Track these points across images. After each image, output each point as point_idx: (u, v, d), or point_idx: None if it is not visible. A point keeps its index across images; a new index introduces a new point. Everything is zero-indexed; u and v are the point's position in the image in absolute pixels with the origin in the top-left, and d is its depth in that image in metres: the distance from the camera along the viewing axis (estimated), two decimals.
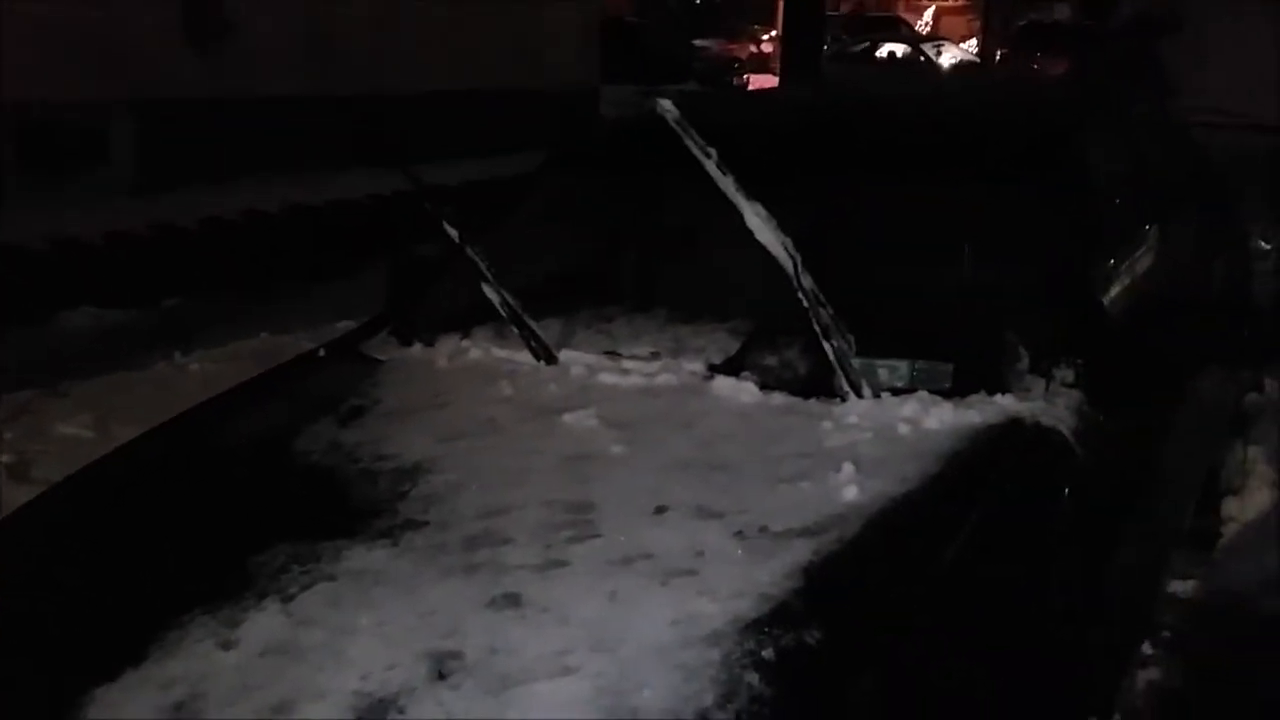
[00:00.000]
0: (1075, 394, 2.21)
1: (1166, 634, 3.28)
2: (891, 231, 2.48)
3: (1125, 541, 2.29)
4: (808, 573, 1.70)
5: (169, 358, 5.06)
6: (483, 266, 2.46)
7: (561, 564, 1.77)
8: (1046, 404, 2.16)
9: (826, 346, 2.14)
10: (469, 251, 2.46)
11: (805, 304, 2.10)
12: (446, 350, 2.65)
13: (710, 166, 2.06)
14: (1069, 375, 2.24)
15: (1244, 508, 3.92)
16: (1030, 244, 2.48)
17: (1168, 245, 3.04)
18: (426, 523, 1.92)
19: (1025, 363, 2.26)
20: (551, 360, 2.47)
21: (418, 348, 2.71)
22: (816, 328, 2.12)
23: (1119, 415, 2.27)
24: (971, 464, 1.98)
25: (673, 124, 2.06)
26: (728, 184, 2.06)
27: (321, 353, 2.81)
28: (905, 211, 2.49)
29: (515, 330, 2.49)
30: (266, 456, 2.26)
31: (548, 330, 2.59)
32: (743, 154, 2.14)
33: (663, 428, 2.16)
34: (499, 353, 2.57)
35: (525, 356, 2.51)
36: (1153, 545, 2.68)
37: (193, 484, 2.20)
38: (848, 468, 1.95)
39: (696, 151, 2.05)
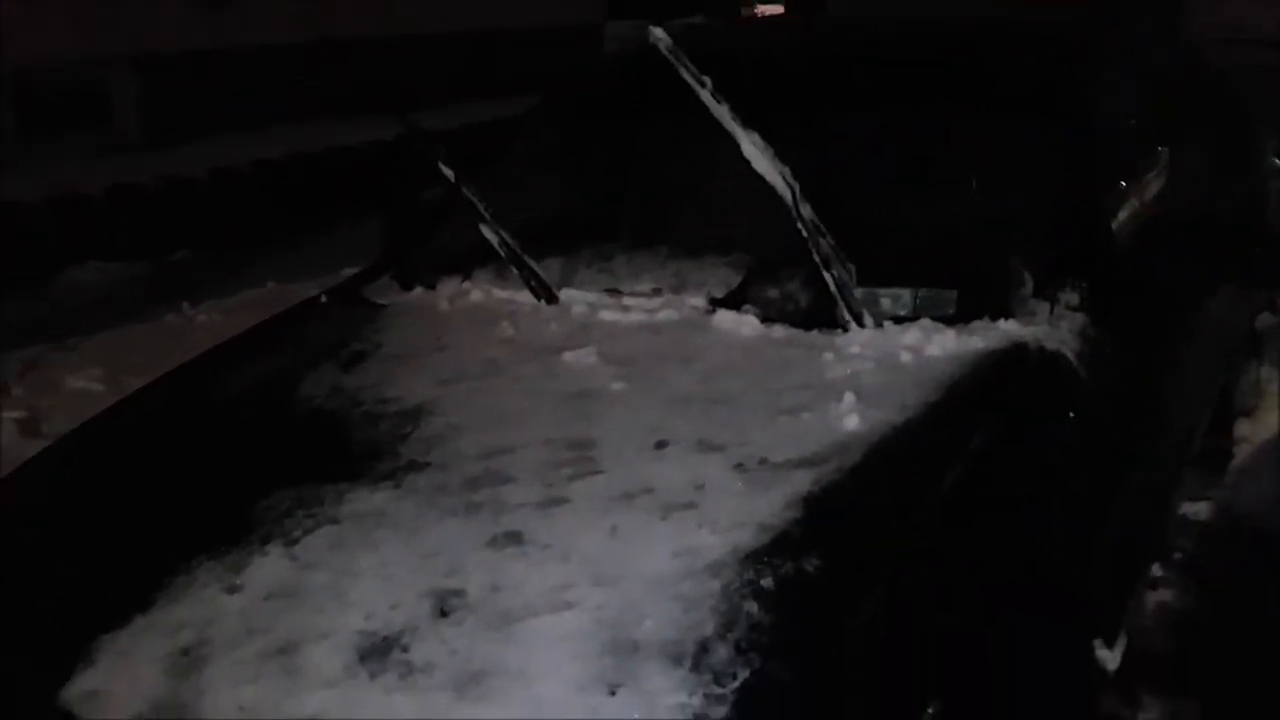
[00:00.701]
0: (1080, 317, 2.19)
1: (1178, 555, 3.28)
2: (895, 159, 2.45)
3: (1133, 464, 2.28)
4: (807, 503, 1.69)
5: (177, 309, 5.07)
6: (480, 207, 2.44)
7: (562, 501, 1.77)
8: (1050, 328, 2.14)
9: (827, 276, 2.12)
10: (465, 192, 2.44)
11: (805, 234, 2.08)
12: (448, 292, 2.64)
13: (705, 95, 2.02)
14: (1074, 299, 2.21)
15: (1257, 429, 3.89)
16: (1035, 168, 2.45)
17: (1180, 167, 2.99)
18: (428, 464, 1.92)
19: (1029, 287, 2.23)
20: (552, 299, 2.46)
21: (419, 291, 2.70)
22: (816, 258, 2.10)
23: (1126, 338, 2.25)
24: (973, 390, 1.97)
25: (665, 53, 2.03)
26: (723, 112, 2.03)
27: (323, 299, 2.81)
28: (909, 138, 2.46)
29: (515, 270, 2.48)
30: (270, 403, 2.26)
31: (548, 270, 2.57)
32: (743, 83, 2.11)
33: (663, 363, 2.15)
34: (500, 293, 2.56)
35: (526, 296, 2.50)
36: (1162, 467, 2.67)
37: (197, 432, 2.21)
38: (849, 397, 1.94)
39: (690, 80, 2.01)
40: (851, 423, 1.88)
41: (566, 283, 2.54)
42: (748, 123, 2.05)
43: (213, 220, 6.20)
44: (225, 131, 7.58)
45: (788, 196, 2.06)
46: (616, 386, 2.09)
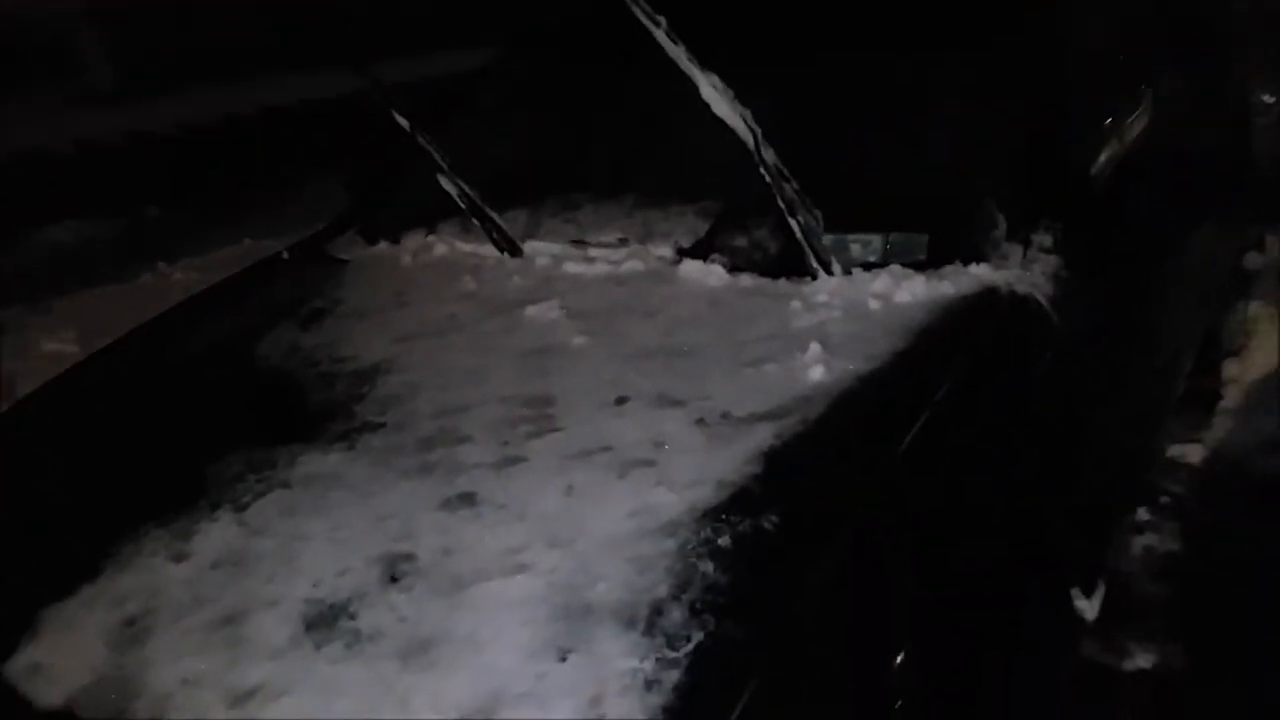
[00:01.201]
0: (1054, 259, 2.12)
1: (1165, 500, 3.25)
2: (861, 98, 2.37)
3: (1109, 409, 2.23)
4: (768, 458, 1.65)
5: (154, 268, 5.00)
6: (438, 157, 2.37)
7: (519, 460, 1.72)
8: (1023, 271, 2.08)
9: (793, 223, 2.06)
10: (422, 141, 2.37)
11: (768, 180, 2.01)
12: (411, 247, 2.58)
13: (660, 36, 1.95)
14: (1048, 240, 2.15)
15: (1246, 369, 3.85)
16: (1008, 105, 2.37)
17: (1161, 103, 2.92)
18: (383, 424, 1.87)
19: (1002, 230, 2.17)
20: (516, 252, 2.40)
21: (383, 245, 2.65)
22: (781, 204, 2.04)
23: (1102, 280, 2.19)
24: (942, 336, 1.91)
25: None
26: (679, 54, 1.96)
27: (285, 255, 2.75)
28: (876, 76, 2.38)
29: (477, 223, 2.42)
30: (226, 364, 2.22)
31: (514, 221, 2.51)
32: (702, 22, 2.03)
33: (627, 316, 2.10)
34: (464, 247, 2.50)
35: (490, 250, 2.44)
36: (1143, 411, 2.63)
37: (151, 395, 2.16)
38: (814, 348, 1.88)
39: (644, 20, 1.94)
40: (816, 374, 1.83)
41: (531, 234, 2.48)
42: (706, 64, 1.98)
43: (185, 176, 6.09)
44: (198, 84, 7.43)
45: (750, 141, 1.99)
46: (578, 341, 2.03)
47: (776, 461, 1.64)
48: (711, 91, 1.97)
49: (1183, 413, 3.39)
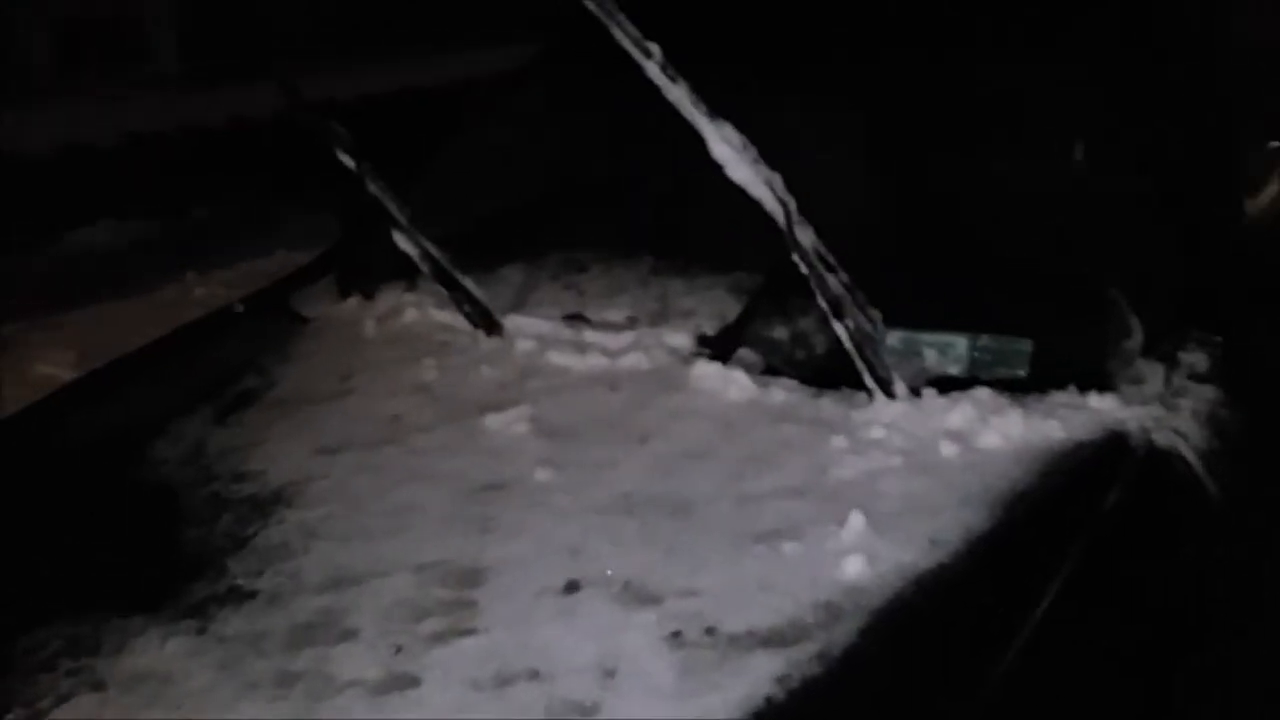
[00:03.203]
0: (1210, 391, 1.52)
1: None
2: (940, 140, 1.80)
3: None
4: (764, 718, 1.10)
5: (180, 279, 4.62)
6: (394, 209, 1.86)
7: (407, 685, 1.20)
8: (1166, 410, 1.48)
9: (839, 328, 1.50)
10: (373, 189, 1.86)
11: (804, 269, 1.46)
12: (382, 308, 2.10)
13: (653, 71, 1.40)
14: (1202, 361, 1.55)
15: None
16: (1145, 155, 1.77)
17: None
18: (255, 594, 1.38)
19: (1137, 339, 1.57)
20: (493, 329, 1.88)
21: (353, 302, 2.16)
22: (823, 303, 1.48)
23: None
24: (1044, 514, 1.33)
25: (591, 7, 1.40)
26: (680, 96, 1.41)
27: (239, 308, 2.27)
28: (959, 110, 1.81)
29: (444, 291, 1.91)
30: (106, 468, 1.74)
31: (505, 281, 2.02)
32: (714, 44, 1.50)
33: (611, 440, 1.57)
34: (438, 315, 1.99)
35: (466, 322, 1.93)
36: None
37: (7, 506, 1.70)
38: (856, 521, 1.32)
39: (631, 49, 1.40)
40: (854, 568, 1.27)
41: (521, 302, 1.97)
42: (719, 106, 1.43)
43: (237, 174, 5.68)
44: (268, 74, 7.05)
45: (779, 217, 1.43)
46: (540, 476, 1.51)
47: None
48: (725, 149, 1.41)
49: None
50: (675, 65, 1.46)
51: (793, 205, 1.42)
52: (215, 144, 5.94)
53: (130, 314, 4.18)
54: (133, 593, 1.41)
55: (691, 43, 1.53)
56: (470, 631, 1.26)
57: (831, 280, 1.47)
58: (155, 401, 1.93)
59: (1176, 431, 1.45)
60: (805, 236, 1.44)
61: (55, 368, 3.74)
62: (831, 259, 1.47)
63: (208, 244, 5.08)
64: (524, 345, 1.84)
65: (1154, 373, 1.53)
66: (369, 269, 2.22)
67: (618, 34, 1.40)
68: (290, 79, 1.93)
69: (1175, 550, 1.38)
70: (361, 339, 2.02)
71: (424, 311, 2.03)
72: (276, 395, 1.87)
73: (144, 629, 1.34)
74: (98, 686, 1.28)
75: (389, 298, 2.12)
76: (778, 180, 1.43)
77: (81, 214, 5.29)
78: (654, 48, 1.40)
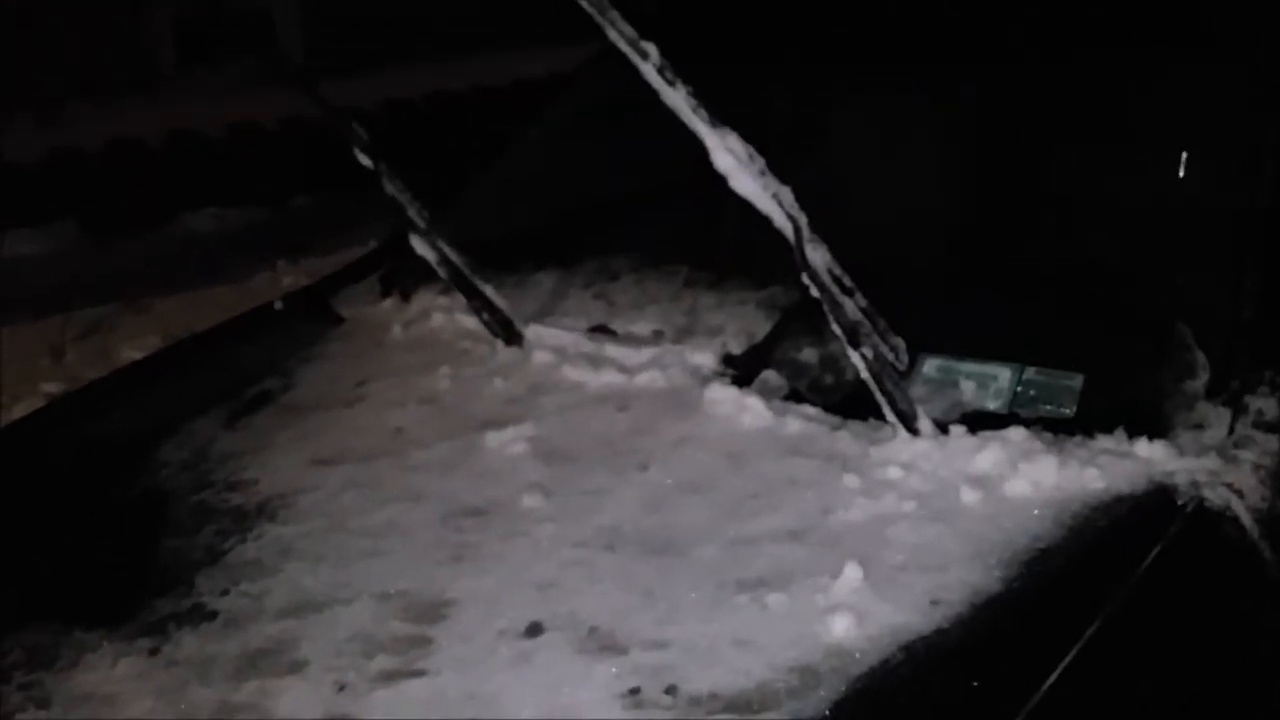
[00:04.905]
0: (1277, 444, 1.34)
1: None
2: (1001, 147, 1.65)
3: None
4: None
5: (272, 267, 4.67)
6: (412, 212, 1.79)
7: None
8: (1223, 462, 1.30)
9: (856, 358, 1.36)
10: (391, 190, 1.79)
11: (816, 291, 1.33)
12: (413, 311, 2.03)
13: (649, 72, 1.29)
14: (1273, 408, 1.36)
15: None
16: (1238, 170, 1.59)
17: None
18: (216, 614, 1.32)
19: (1200, 380, 1.40)
20: (513, 339, 1.80)
21: (389, 303, 2.10)
22: (837, 328, 1.35)
23: None
24: (1064, 577, 1.18)
25: (584, 4, 1.29)
26: (679, 100, 1.29)
27: (278, 305, 2.23)
28: (1025, 115, 1.65)
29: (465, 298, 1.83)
30: (110, 468, 1.71)
31: (538, 286, 1.94)
32: (724, 32, 1.38)
33: (609, 466, 1.46)
34: (465, 321, 1.91)
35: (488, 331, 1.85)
36: None
37: (10, 506, 1.68)
38: (851, 572, 1.19)
39: (627, 50, 1.28)
40: (840, 626, 1.14)
41: (549, 311, 1.88)
42: (727, 110, 1.31)
43: (343, 163, 5.73)
44: (392, 62, 7.11)
45: (789, 233, 1.30)
46: (528, 503, 1.41)
47: None
48: (728, 160, 1.29)
49: None
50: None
51: (803, 221, 1.29)
52: (323, 132, 6.00)
53: (218, 301, 4.23)
54: (100, 605, 1.37)
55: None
56: (420, 673, 1.17)
57: (848, 304, 1.34)
58: (173, 401, 1.89)
59: (1231, 488, 1.27)
60: (818, 256, 1.31)
61: (140, 352, 3.80)
62: (848, 280, 1.33)
63: (306, 233, 5.13)
64: (541, 357, 1.75)
65: (1217, 418, 1.35)
66: (412, 269, 2.17)
67: (611, 33, 1.29)
68: (312, 80, 1.87)
69: (1218, 625, 1.21)
70: (386, 343, 1.96)
71: (451, 317, 1.95)
72: (290, 399, 1.82)
73: (99, 645, 1.30)
74: (43, 704, 1.23)
75: (423, 300, 2.06)
76: (787, 194, 1.30)
77: (188, 201, 5.39)
78: (650, 48, 1.29)
